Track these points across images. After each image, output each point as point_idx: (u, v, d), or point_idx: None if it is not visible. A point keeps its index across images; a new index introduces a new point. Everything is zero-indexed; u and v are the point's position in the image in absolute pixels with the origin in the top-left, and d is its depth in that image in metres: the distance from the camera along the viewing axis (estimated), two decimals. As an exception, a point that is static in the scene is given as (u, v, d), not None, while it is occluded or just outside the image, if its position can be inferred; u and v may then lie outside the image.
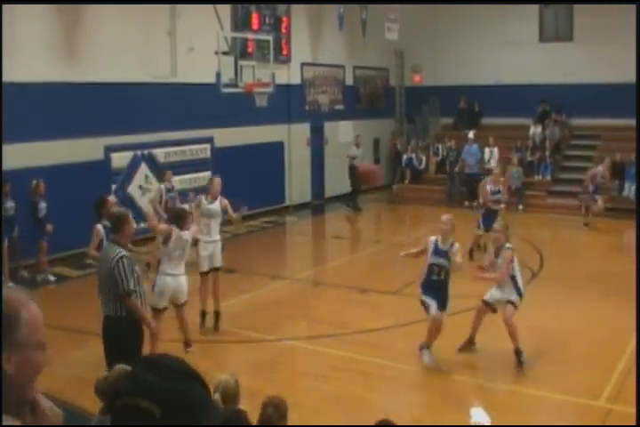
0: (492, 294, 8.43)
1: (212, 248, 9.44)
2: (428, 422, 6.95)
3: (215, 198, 9.55)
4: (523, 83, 21.05)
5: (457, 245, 8.27)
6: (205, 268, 9.42)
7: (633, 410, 7.01)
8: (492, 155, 19.67)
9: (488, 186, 13.18)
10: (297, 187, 19.29)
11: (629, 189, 18.01)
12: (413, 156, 21.46)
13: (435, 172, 21.30)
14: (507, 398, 7.78)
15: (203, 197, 9.57)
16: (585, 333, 9.62)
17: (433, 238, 8.22)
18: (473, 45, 22.08)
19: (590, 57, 20.31)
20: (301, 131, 19.55)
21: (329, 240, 17.26)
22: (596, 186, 16.29)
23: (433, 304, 8.03)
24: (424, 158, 21.43)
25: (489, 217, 12.62)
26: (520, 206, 18.69)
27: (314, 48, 19.79)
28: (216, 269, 9.54)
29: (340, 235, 16.95)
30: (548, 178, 19.71)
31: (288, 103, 18.41)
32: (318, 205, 20.20)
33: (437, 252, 8.11)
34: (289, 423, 4.60)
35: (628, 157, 18.48)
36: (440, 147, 21.30)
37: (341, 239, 16.53)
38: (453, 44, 22.17)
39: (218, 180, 9.77)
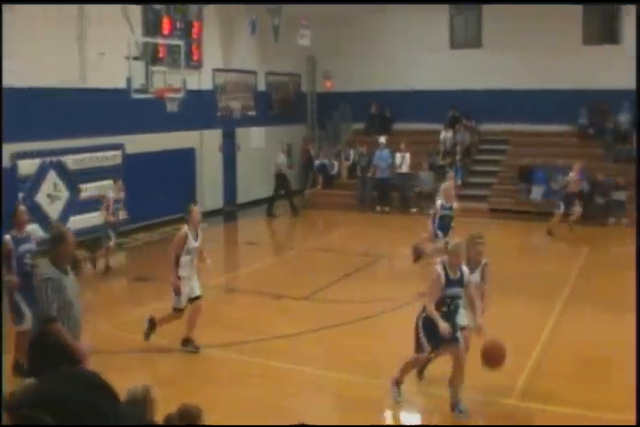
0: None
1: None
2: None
3: (196, 231, 8.96)
4: (433, 89, 21.46)
5: (465, 267, 7.34)
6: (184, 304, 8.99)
7: (541, 406, 7.23)
8: (403, 160, 19.99)
9: (439, 201, 12.65)
10: (209, 193, 19.12)
11: (537, 193, 18.57)
12: (325, 161, 21.60)
13: (347, 177, 21.48)
14: (427, 401, 7.88)
15: (188, 233, 8.81)
16: (495, 333, 9.84)
17: (440, 270, 7.13)
18: (384, 52, 22.38)
19: (498, 63, 20.80)
20: (213, 137, 19.40)
21: (242, 246, 17.18)
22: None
23: (428, 350, 7.26)
24: (336, 164, 21.60)
25: (443, 226, 12.37)
26: (431, 211, 19.01)
27: (226, 54, 19.69)
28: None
29: (253, 241, 16.88)
30: (459, 182, 20.16)
31: (199, 109, 18.24)
32: (230, 211, 20.09)
33: (450, 282, 7.11)
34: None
35: (534, 161, 19.13)
36: (352, 152, 21.50)
37: (254, 245, 16.47)
38: (364, 50, 22.40)
39: (195, 208, 9.10)
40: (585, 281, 12.38)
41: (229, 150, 20.09)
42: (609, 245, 16.13)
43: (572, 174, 16.17)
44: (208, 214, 18.67)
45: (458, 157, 20.58)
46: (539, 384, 7.93)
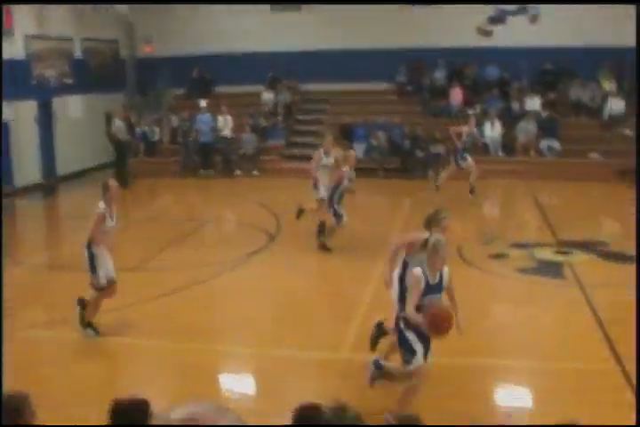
0: None
1: None
2: (175, 395, 6.65)
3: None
4: (254, 50, 21.10)
5: (446, 269, 6.03)
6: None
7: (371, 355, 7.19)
8: (225, 123, 19.57)
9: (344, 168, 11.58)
10: (26, 167, 17.81)
11: (358, 150, 18.65)
12: (147, 128, 20.76)
13: (169, 143, 20.77)
14: (272, 364, 7.64)
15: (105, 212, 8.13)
16: (323, 288, 9.84)
17: (419, 274, 5.81)
18: (205, 15, 21.70)
19: (317, 24, 20.76)
20: (28, 107, 18.04)
21: (63, 221, 16.20)
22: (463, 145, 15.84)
23: (420, 351, 5.88)
24: (157, 130, 20.80)
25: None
26: (254, 172, 18.94)
27: (39, 20, 18.26)
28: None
29: (76, 214, 15.92)
30: (282, 142, 20.03)
31: (12, 79, 16.81)
32: (50, 185, 18.86)
33: (430, 289, 5.86)
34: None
35: (355, 119, 19.30)
36: (173, 118, 20.80)
37: (76, 219, 15.53)
38: (185, 14, 21.60)
39: (114, 184, 8.38)
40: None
41: (46, 121, 18.77)
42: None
43: (465, 128, 15.88)
44: (26, 189, 17.49)
45: (280, 118, 20.42)
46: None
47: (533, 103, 19.23)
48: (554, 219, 13.44)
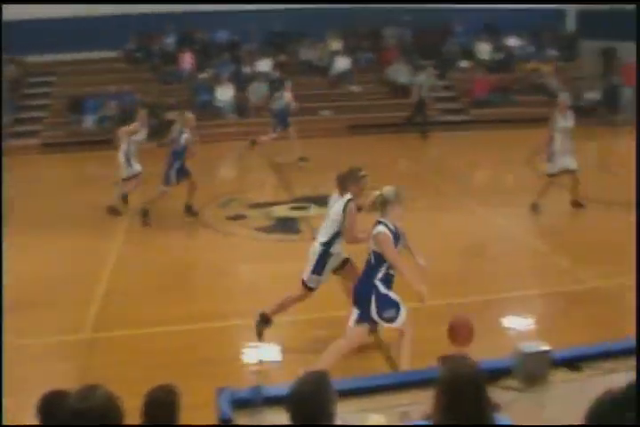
0: None
1: None
2: None
3: None
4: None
5: None
6: None
7: (117, 333, 7.06)
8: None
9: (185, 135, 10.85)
10: None
11: (89, 122, 17.95)
12: None
13: None
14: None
15: None
16: (61, 269, 9.39)
17: (385, 229, 5.76)
18: None
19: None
20: None
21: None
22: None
23: (403, 307, 5.90)
24: None
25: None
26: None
27: None
28: None
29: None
30: (8, 119, 18.68)
31: None
32: None
33: (397, 238, 5.86)
34: None
35: (84, 90, 18.47)
36: None
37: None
38: None
39: None
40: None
41: None
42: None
43: (287, 94, 15.67)
44: None
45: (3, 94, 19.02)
46: (112, 311, 7.78)
47: (264, 65, 19.60)
48: (289, 177, 13.90)
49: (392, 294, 5.85)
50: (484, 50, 21.22)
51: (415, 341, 5.87)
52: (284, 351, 6.75)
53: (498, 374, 4.44)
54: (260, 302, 7.25)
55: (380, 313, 5.79)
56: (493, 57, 21.19)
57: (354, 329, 5.89)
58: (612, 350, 4.84)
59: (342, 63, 19.96)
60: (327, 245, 6.60)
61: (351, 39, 21.08)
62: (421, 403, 3.76)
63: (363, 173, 6.59)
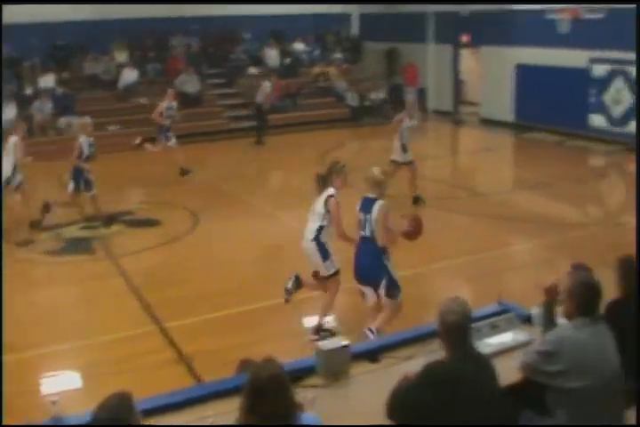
0: None
1: None
2: None
3: None
4: None
5: None
6: None
7: None
8: None
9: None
10: None
11: None
12: None
13: None
14: None
15: None
16: None
17: (384, 207, 6.53)
18: None
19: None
20: None
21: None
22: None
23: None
24: None
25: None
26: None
27: None
28: None
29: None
30: None
31: None
32: None
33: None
34: None
35: None
36: None
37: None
38: None
39: None
40: None
41: None
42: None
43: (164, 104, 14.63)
44: None
45: None
46: None
47: (47, 81, 18.73)
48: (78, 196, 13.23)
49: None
50: (272, 56, 21.55)
51: (214, 350, 5.83)
52: (85, 378, 6.47)
53: (302, 373, 4.49)
54: (53, 329, 6.91)
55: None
56: (281, 63, 21.59)
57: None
58: (407, 338, 5.05)
59: (129, 76, 19.50)
60: (317, 238, 6.88)
61: (138, 50, 20.66)
62: (228, 412, 3.76)
63: (341, 163, 7.03)
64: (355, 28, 23.74)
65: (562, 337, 3.91)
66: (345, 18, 23.35)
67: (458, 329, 3.65)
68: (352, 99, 21.06)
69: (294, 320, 7.59)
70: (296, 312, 7.62)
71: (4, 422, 5.09)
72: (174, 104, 14.89)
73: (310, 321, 7.36)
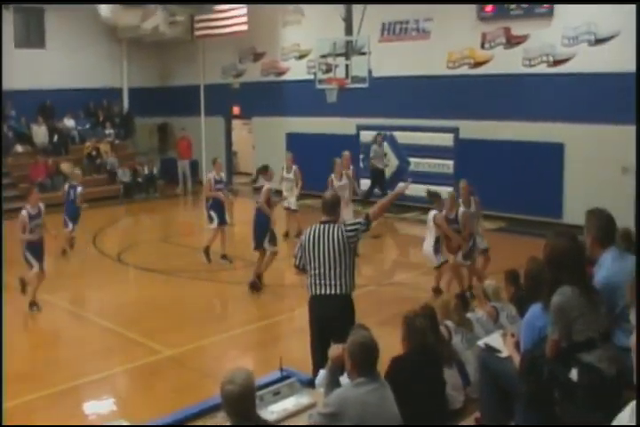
0: None
1: None
2: None
3: None
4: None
5: None
6: None
7: None
8: None
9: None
10: None
11: None
12: None
13: None
14: None
15: None
16: None
17: None
18: None
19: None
20: None
21: None
22: None
23: None
24: None
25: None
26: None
27: None
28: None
29: None
30: None
31: None
32: None
33: None
34: None
35: None
36: None
37: None
38: None
39: None
40: None
41: None
42: None
43: None
44: None
45: None
46: None
47: None
48: None
49: None
50: (40, 133, 20.83)
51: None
52: None
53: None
54: None
55: None
56: (50, 139, 20.93)
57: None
58: (193, 413, 5.03)
59: None
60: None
61: None
62: None
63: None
64: (126, 103, 23.67)
65: (344, 397, 4.04)
66: (116, 93, 23.23)
67: (239, 399, 3.69)
68: (124, 175, 20.91)
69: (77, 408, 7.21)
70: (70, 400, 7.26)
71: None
72: None
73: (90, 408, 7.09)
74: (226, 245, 12.65)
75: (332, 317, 5.88)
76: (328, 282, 5.91)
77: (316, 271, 5.94)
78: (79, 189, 13.73)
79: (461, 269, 10.11)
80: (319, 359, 5.96)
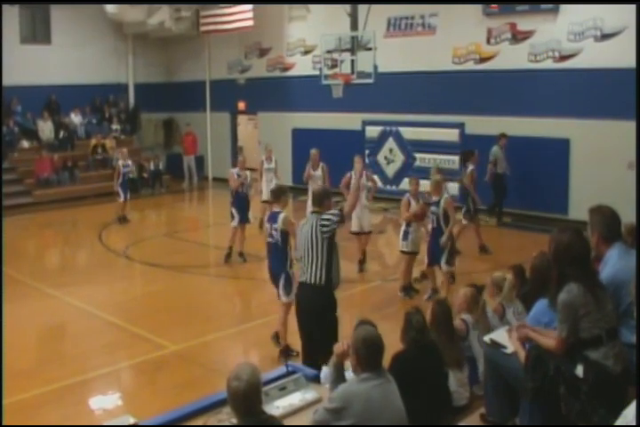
0: None
1: None
2: None
3: None
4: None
5: None
6: None
7: None
8: None
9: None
10: None
11: None
12: None
13: None
14: None
15: None
16: None
17: None
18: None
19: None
20: None
21: None
22: None
23: None
24: None
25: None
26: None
27: None
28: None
29: None
30: None
31: None
32: None
33: None
34: None
35: None
36: None
37: None
38: None
39: None
40: None
41: None
42: None
43: None
44: None
45: None
46: None
47: None
48: None
49: None
50: (46, 128, 20.88)
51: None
52: None
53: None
54: None
55: None
56: (56, 135, 20.96)
57: None
58: (201, 408, 5.02)
59: None
60: None
61: None
62: None
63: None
64: (131, 99, 23.67)
65: (349, 392, 4.04)
66: (121, 88, 23.24)
67: (245, 396, 3.69)
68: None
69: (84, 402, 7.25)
70: (77, 394, 7.30)
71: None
72: None
73: (95, 403, 7.12)
74: (244, 243, 12.53)
75: (304, 305, 6.37)
76: (305, 269, 6.34)
77: (301, 259, 6.40)
78: (130, 164, 16.64)
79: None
80: (303, 345, 6.54)
